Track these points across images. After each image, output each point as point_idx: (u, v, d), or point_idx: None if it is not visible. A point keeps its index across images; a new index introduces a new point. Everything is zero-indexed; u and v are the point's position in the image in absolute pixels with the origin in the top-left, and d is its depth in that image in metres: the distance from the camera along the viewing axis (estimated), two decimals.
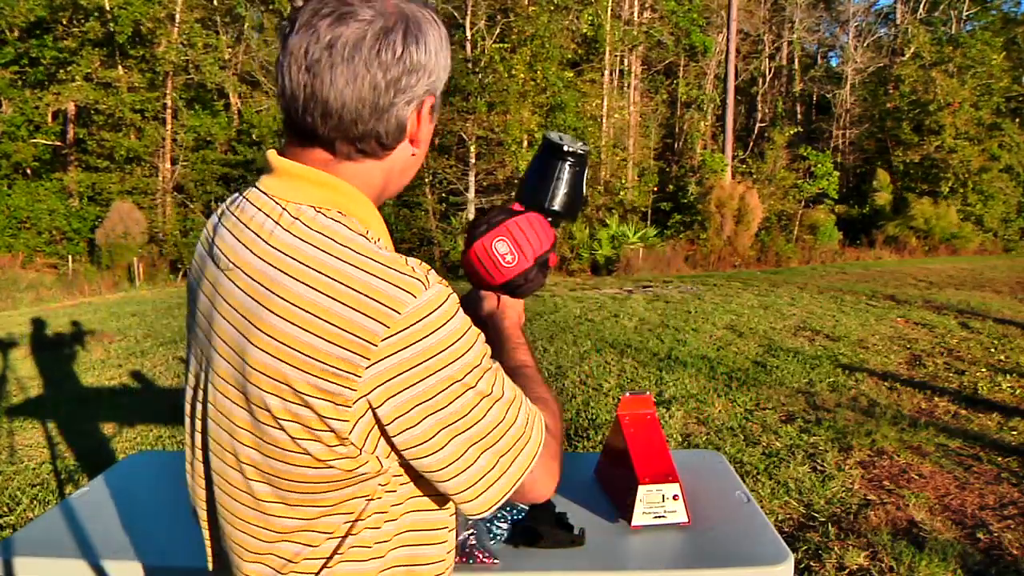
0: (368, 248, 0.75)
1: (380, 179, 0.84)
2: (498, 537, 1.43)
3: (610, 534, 1.46)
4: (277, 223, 0.78)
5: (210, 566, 0.96)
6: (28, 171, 20.89)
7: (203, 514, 0.93)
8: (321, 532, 0.81)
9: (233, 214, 0.84)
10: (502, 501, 0.80)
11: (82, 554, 1.42)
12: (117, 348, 7.26)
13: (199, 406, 0.88)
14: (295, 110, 0.78)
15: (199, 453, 0.90)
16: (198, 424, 0.89)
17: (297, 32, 0.77)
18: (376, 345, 0.71)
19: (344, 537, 0.80)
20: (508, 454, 0.78)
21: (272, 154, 0.83)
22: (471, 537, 1.37)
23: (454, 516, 0.90)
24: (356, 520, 0.80)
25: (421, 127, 0.83)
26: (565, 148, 1.06)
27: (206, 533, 0.95)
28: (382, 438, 0.76)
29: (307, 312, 0.73)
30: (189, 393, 0.92)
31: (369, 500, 0.80)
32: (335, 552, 0.81)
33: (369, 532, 0.81)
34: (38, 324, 8.96)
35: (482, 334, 0.80)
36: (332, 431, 0.74)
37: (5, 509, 3.39)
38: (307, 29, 0.76)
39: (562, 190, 1.07)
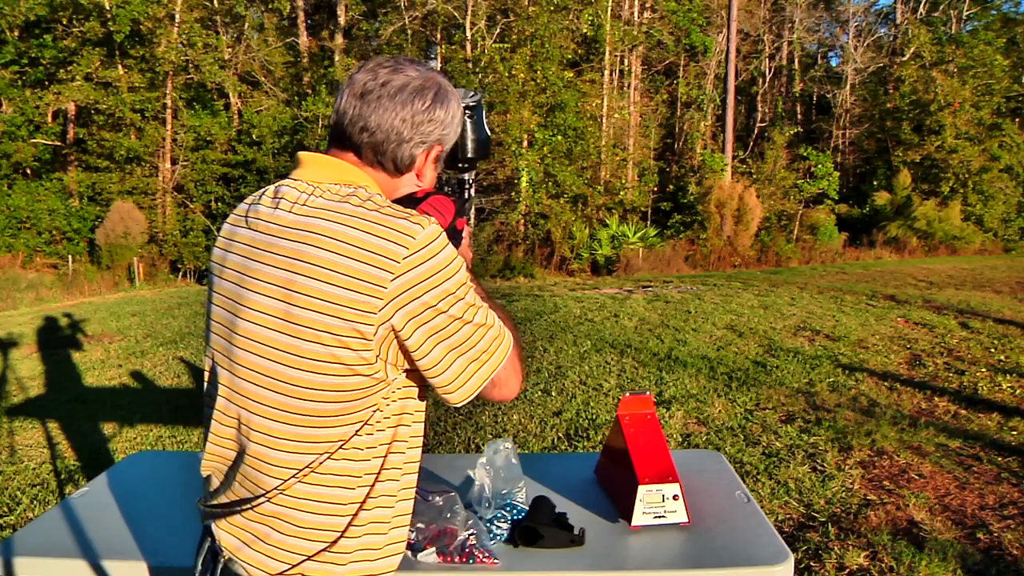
0: (384, 201, 1.03)
1: (388, 190, 1.10)
2: (498, 537, 1.43)
3: (610, 534, 1.46)
4: (311, 195, 1.03)
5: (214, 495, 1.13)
6: (28, 171, 20.86)
7: (220, 449, 1.11)
8: (332, 440, 1.01)
9: (268, 197, 1.08)
10: (475, 393, 1.04)
11: (82, 554, 1.42)
12: (117, 348, 7.26)
13: (227, 353, 1.07)
14: (342, 123, 1.07)
15: (223, 389, 1.09)
16: (223, 366, 1.09)
17: (361, 72, 1.08)
18: (399, 262, 0.96)
19: (347, 441, 1.02)
20: (486, 353, 1.03)
21: (301, 153, 1.10)
22: (471, 537, 1.37)
23: (422, 436, 1.12)
24: (363, 424, 1.02)
25: (426, 167, 1.12)
26: (474, 97, 1.26)
27: (219, 461, 1.12)
28: (393, 346, 1.00)
29: (348, 244, 0.97)
30: (217, 343, 1.10)
31: (376, 410, 1.02)
32: (339, 449, 1.02)
33: (366, 438, 1.03)
34: (38, 324, 8.96)
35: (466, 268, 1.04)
36: (361, 336, 0.97)
37: (5, 509, 3.39)
38: (370, 72, 1.07)
39: (469, 139, 1.26)
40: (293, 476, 1.02)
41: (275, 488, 1.03)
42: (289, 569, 1.04)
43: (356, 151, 1.08)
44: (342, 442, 1.01)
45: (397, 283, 0.96)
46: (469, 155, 1.27)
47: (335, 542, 1.03)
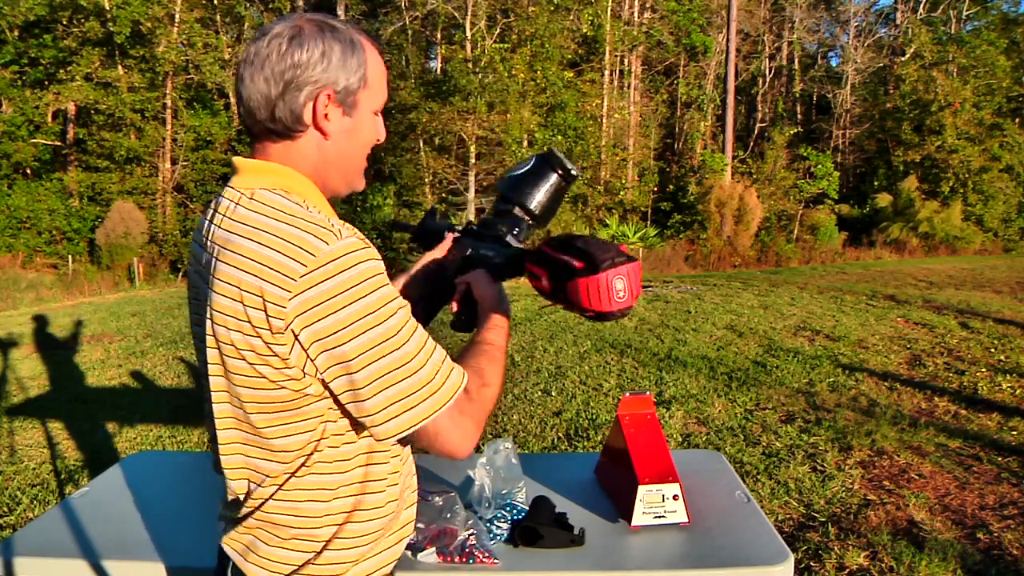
0: (299, 211, 0.93)
1: (311, 161, 1.02)
2: (498, 537, 1.43)
3: (610, 534, 1.46)
4: (238, 204, 0.97)
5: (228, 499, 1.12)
6: (28, 171, 20.86)
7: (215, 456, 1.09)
8: (289, 450, 0.98)
9: (214, 211, 1.03)
10: (404, 433, 0.93)
11: (82, 554, 1.42)
12: (117, 348, 7.26)
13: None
14: (239, 111, 1.01)
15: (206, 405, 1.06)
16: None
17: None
18: (296, 280, 0.88)
19: (310, 455, 0.98)
20: (415, 395, 0.92)
21: (235, 158, 1.03)
22: (471, 537, 1.37)
23: (411, 445, 1.08)
24: (319, 439, 0.98)
25: (320, 120, 0.99)
26: (569, 167, 1.21)
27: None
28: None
29: (247, 258, 0.91)
30: (200, 361, 1.08)
31: (325, 422, 0.97)
32: (301, 466, 0.99)
33: (330, 450, 0.99)
34: (38, 324, 8.96)
35: (395, 291, 0.94)
36: (276, 355, 0.91)
37: (5, 509, 3.39)
38: (244, 51, 1.00)
39: (552, 201, 1.22)
40: (268, 487, 1.01)
41: (256, 497, 1.03)
42: None
43: (255, 137, 1.01)
44: (303, 456, 0.99)
45: (296, 303, 0.88)
46: (539, 214, 1.22)
47: (319, 553, 1.02)
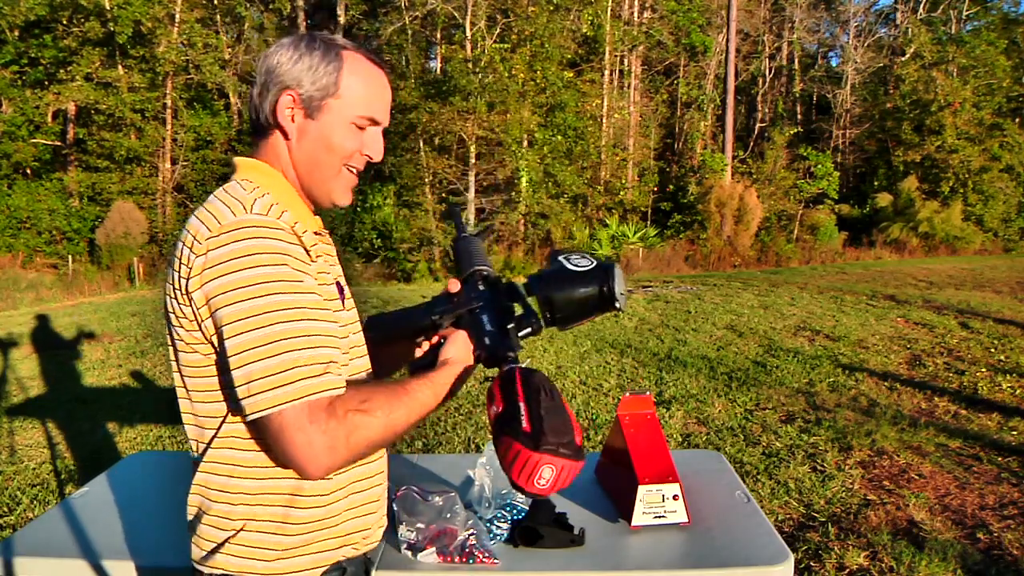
0: (237, 190, 1.01)
1: (283, 160, 1.09)
2: (498, 537, 1.43)
3: (610, 534, 1.46)
4: (212, 193, 1.05)
5: None
6: (28, 171, 20.84)
7: None
8: (207, 416, 1.02)
9: None
10: (259, 415, 0.91)
11: (82, 554, 1.42)
12: (117, 348, 7.26)
13: None
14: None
15: None
16: None
17: None
18: (202, 243, 0.95)
19: (220, 426, 1.01)
20: (268, 378, 0.90)
21: (234, 157, 1.13)
22: (471, 537, 1.37)
23: None
24: (228, 412, 1.00)
25: (289, 119, 1.06)
26: (616, 295, 1.09)
27: None
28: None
29: (185, 230, 0.99)
30: None
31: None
32: (215, 436, 1.01)
33: (244, 426, 0.99)
34: (38, 324, 8.95)
35: (294, 275, 0.94)
36: (186, 317, 0.98)
37: (5, 509, 3.39)
38: None
39: (577, 312, 1.10)
40: (199, 455, 1.04)
41: (195, 465, 1.05)
42: (206, 557, 1.04)
43: (251, 134, 1.13)
44: (215, 428, 1.01)
45: (198, 262, 0.94)
46: (555, 304, 1.10)
47: (237, 532, 1.02)
